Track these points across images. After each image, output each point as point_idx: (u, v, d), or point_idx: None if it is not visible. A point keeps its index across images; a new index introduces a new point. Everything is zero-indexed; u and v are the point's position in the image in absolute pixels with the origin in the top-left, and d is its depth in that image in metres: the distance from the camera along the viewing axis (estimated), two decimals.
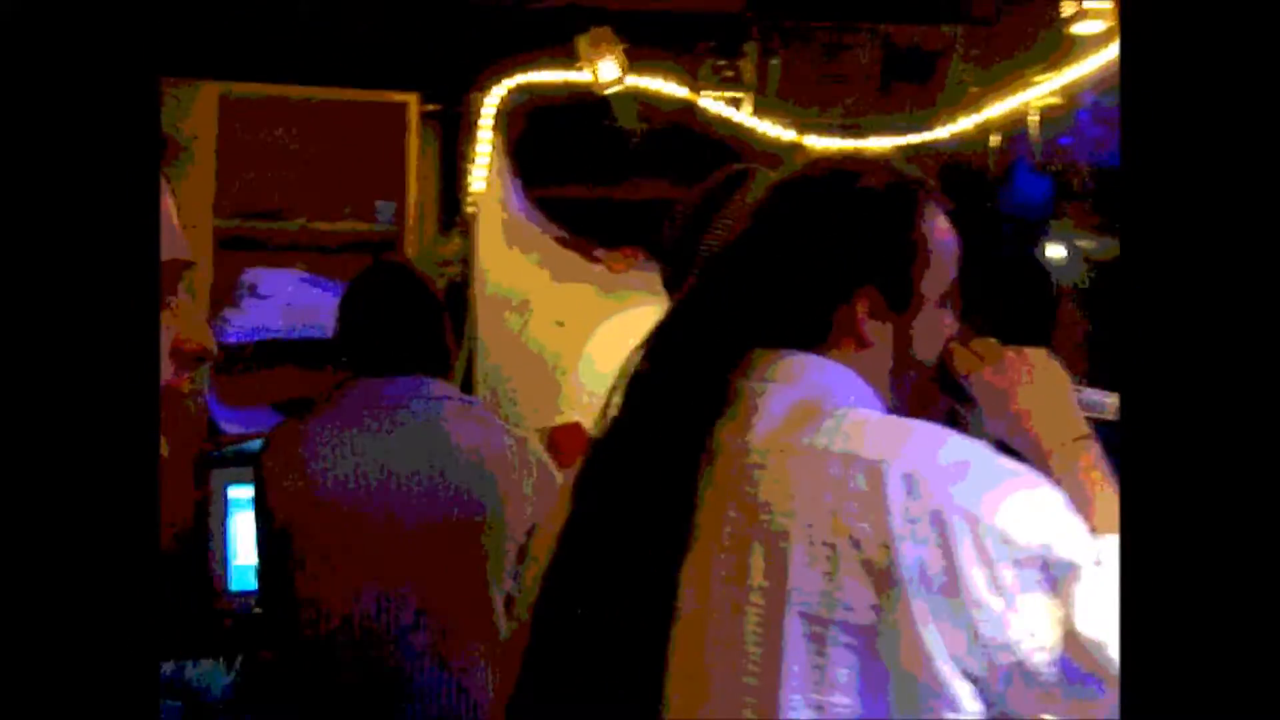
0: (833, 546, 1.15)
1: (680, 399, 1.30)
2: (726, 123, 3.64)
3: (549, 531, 1.39)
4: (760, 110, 3.65)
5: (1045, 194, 3.80)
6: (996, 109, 3.60)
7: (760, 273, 1.33)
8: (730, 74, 3.63)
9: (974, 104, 3.62)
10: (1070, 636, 1.11)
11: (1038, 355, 1.39)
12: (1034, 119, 3.62)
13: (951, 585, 1.12)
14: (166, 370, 1.03)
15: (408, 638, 2.32)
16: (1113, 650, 1.09)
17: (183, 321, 1.05)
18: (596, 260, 3.56)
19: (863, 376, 1.32)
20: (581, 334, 3.44)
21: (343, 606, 2.32)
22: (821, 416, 1.23)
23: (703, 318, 1.35)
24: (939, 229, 1.37)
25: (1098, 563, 1.13)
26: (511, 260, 3.58)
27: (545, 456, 2.52)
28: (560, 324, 3.36)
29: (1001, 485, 1.17)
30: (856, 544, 1.14)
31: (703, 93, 3.65)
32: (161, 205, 0.99)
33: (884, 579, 1.13)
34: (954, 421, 1.39)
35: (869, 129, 3.65)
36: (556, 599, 1.31)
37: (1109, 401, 1.38)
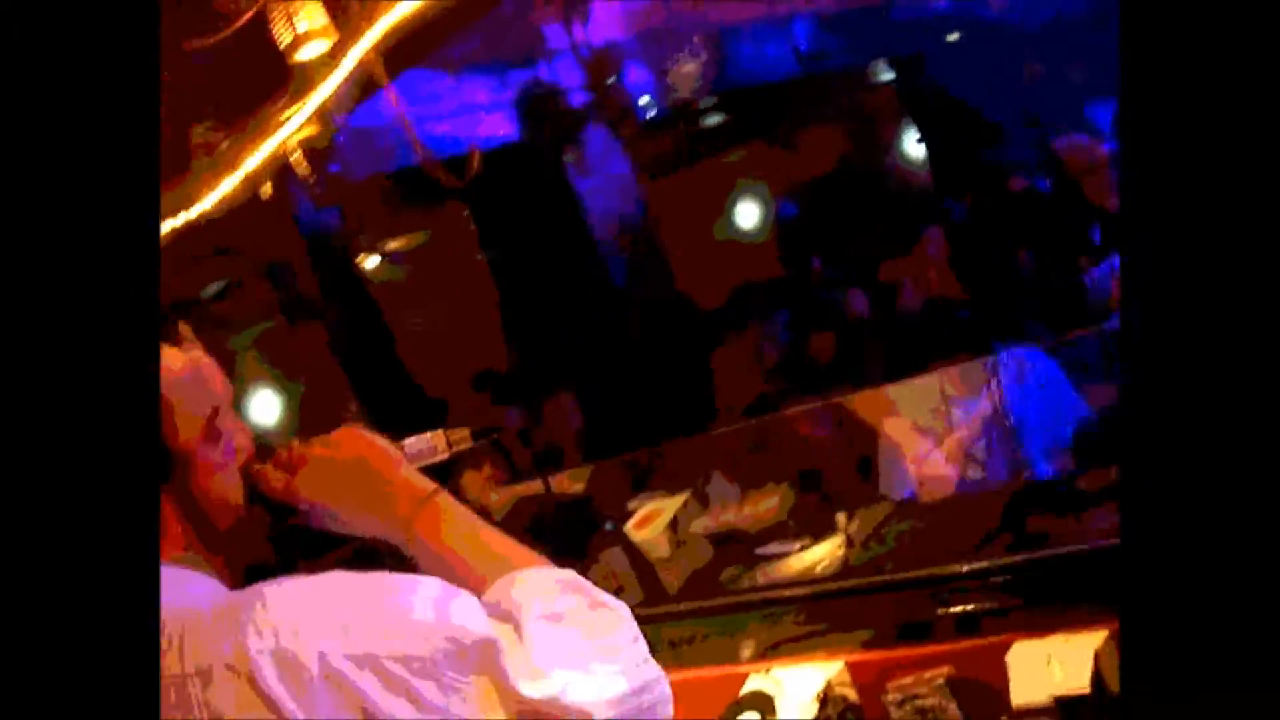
0: None
1: None
2: None
3: None
4: None
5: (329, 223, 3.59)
6: (255, 159, 3.25)
7: None
8: None
9: (230, 161, 3.24)
10: (522, 702, 1.07)
11: (347, 435, 1.29)
12: (297, 157, 3.33)
13: None
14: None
15: None
16: (566, 694, 1.08)
17: None
18: None
19: (192, 566, 1.16)
20: None
21: None
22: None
23: None
24: (169, 368, 1.16)
25: (509, 616, 1.11)
26: None
27: None
28: None
29: (373, 609, 1.08)
30: None
31: None
32: None
33: None
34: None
35: None
36: None
37: (434, 443, 1.33)
